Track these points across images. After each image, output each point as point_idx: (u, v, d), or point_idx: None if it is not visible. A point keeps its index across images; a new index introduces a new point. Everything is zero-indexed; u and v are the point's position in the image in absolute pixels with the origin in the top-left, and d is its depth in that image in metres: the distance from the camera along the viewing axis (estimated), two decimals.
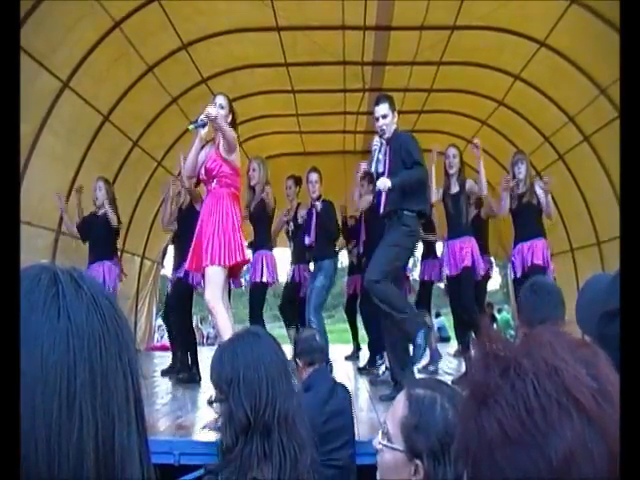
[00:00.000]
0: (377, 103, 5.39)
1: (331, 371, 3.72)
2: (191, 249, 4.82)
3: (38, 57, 6.05)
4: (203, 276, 4.97)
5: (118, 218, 6.93)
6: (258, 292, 6.50)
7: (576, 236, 9.35)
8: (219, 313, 4.59)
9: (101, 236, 6.76)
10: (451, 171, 6.55)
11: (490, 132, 10.13)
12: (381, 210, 5.27)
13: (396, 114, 5.38)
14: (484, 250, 7.32)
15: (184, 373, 6.48)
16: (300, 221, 7.23)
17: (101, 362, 0.64)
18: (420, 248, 7.54)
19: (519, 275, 6.20)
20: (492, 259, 8.64)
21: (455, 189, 6.52)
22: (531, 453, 0.65)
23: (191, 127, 4.83)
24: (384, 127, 5.29)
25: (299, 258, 7.43)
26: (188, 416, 4.63)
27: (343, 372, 6.97)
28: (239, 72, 8.49)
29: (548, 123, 8.96)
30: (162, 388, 6.24)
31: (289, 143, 11.10)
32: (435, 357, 7.07)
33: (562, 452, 0.64)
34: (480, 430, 0.68)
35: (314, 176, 6.90)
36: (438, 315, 16.84)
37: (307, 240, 6.76)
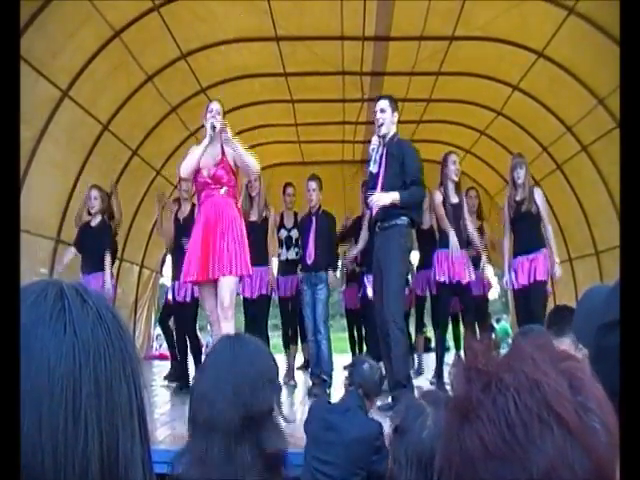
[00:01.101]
0: (378, 100, 5.48)
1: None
2: (197, 258, 4.74)
3: (38, 66, 6.06)
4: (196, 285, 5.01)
5: (115, 230, 6.99)
6: (264, 305, 6.70)
7: (574, 246, 9.35)
8: (231, 322, 4.70)
9: (97, 247, 6.58)
10: (456, 178, 6.46)
11: (488, 142, 10.15)
12: (373, 212, 5.25)
13: (396, 114, 5.40)
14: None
15: (183, 381, 6.46)
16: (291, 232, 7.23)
17: (106, 375, 0.65)
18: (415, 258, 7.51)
19: (518, 287, 6.04)
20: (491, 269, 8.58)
21: (455, 199, 6.41)
22: (512, 468, 0.64)
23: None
24: (382, 121, 5.30)
25: (291, 269, 7.34)
26: (186, 426, 4.61)
27: (341, 382, 6.94)
28: (238, 82, 8.52)
29: (546, 133, 8.98)
30: (160, 398, 6.22)
31: (288, 153, 11.12)
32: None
33: (543, 466, 0.63)
34: (462, 445, 0.68)
35: (312, 184, 6.84)
36: None
37: (307, 254, 6.69)
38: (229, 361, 1.80)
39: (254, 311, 6.66)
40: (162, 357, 10.81)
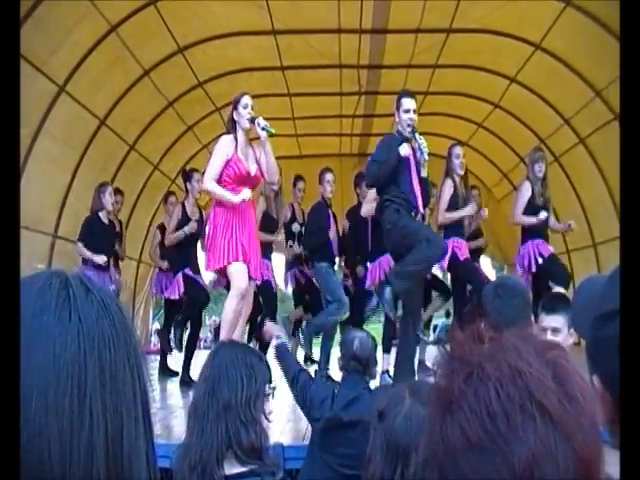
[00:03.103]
0: (410, 96, 5.26)
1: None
2: (252, 254, 4.79)
3: (35, 61, 6.03)
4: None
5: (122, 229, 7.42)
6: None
7: (572, 237, 9.35)
8: None
9: (112, 244, 6.92)
10: (462, 172, 6.40)
11: (486, 135, 10.15)
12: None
13: None
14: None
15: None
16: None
17: (110, 363, 0.66)
18: None
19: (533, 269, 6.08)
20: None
21: (464, 190, 6.36)
22: (493, 459, 0.64)
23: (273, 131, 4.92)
24: (414, 122, 5.19)
25: (300, 262, 7.31)
26: (183, 419, 4.62)
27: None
28: (235, 75, 8.50)
29: (544, 125, 8.98)
30: (157, 392, 6.23)
31: (285, 146, 11.09)
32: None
33: (525, 457, 0.63)
34: (444, 436, 0.67)
35: (330, 176, 6.83)
36: (448, 315, 16.25)
37: (334, 246, 6.72)
38: (211, 358, 2.05)
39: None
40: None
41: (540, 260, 6.03)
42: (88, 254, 6.41)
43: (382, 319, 7.02)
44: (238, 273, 4.70)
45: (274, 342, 3.69)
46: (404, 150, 4.96)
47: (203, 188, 4.86)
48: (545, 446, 0.64)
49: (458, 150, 6.35)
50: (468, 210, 6.23)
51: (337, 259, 7.29)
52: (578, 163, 8.62)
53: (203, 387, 1.95)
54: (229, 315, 4.62)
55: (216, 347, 2.16)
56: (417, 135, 5.20)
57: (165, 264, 7.50)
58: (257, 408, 1.93)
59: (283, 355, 3.60)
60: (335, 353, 6.87)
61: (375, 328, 7.57)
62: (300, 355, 7.71)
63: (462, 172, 6.31)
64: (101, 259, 6.45)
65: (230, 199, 4.63)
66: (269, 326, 3.98)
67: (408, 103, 5.17)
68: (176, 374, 6.68)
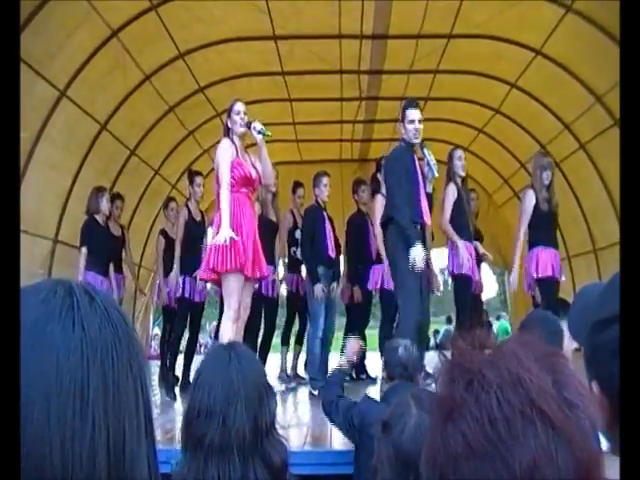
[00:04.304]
0: (415, 106, 5.25)
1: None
2: (251, 254, 4.74)
3: (35, 66, 6.04)
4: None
5: (124, 233, 7.55)
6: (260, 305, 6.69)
7: (572, 243, 9.36)
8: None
9: (110, 248, 6.94)
10: (463, 173, 6.43)
11: (486, 140, 10.15)
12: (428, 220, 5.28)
13: None
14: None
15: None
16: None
17: (113, 370, 0.67)
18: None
19: (543, 277, 6.08)
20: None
21: (464, 195, 6.40)
22: (495, 465, 0.65)
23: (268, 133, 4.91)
24: (420, 132, 5.20)
25: (297, 267, 7.34)
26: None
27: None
28: (236, 81, 8.51)
29: (544, 131, 8.98)
30: (158, 398, 6.23)
31: (286, 151, 11.10)
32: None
33: (526, 463, 0.64)
34: (446, 444, 0.68)
35: (326, 180, 6.87)
36: (450, 320, 16.13)
37: (330, 250, 6.72)
38: (237, 373, 1.74)
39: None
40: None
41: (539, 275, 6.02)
42: (82, 263, 6.47)
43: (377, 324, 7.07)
44: (234, 289, 4.65)
45: (342, 361, 3.70)
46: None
47: (221, 196, 4.80)
48: (546, 451, 0.64)
49: (459, 152, 6.50)
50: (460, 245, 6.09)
51: (341, 263, 7.33)
52: (579, 169, 8.62)
53: (238, 413, 1.68)
54: (226, 339, 4.54)
55: (219, 356, 1.83)
56: (426, 151, 5.22)
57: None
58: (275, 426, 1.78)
59: (336, 379, 3.63)
60: (334, 359, 6.93)
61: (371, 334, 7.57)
62: (301, 361, 7.74)
63: (464, 173, 6.38)
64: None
65: (223, 226, 4.56)
66: (353, 344, 3.87)
67: (413, 114, 5.19)
68: (176, 379, 6.68)
